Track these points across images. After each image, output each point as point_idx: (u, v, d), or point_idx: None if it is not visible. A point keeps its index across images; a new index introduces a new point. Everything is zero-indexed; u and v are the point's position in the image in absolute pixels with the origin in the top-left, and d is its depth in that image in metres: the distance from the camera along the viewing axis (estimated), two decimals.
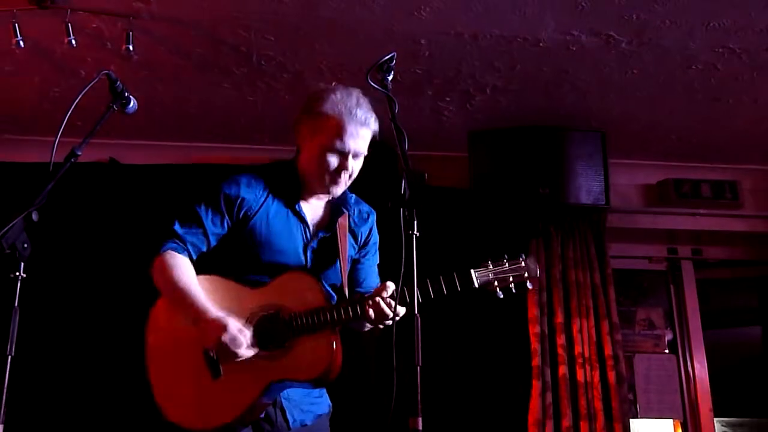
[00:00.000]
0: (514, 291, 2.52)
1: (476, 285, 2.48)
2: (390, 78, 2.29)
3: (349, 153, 2.50)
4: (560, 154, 4.98)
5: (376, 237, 2.83)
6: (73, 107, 2.45)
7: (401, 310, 2.38)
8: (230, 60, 4.26)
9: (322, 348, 2.41)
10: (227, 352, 2.35)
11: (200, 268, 2.56)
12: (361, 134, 2.51)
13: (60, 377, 4.49)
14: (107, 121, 2.58)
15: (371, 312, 2.42)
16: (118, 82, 2.62)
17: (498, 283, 2.50)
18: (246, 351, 2.36)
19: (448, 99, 4.68)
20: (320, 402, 2.67)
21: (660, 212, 5.50)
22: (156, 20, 3.87)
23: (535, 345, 4.85)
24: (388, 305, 2.40)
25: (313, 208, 2.68)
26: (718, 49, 4.12)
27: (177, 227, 2.53)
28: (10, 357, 2.18)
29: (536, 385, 4.76)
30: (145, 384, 4.35)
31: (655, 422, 5.38)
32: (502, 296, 2.51)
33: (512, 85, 4.56)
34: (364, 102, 2.53)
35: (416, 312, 1.84)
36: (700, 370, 5.47)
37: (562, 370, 4.81)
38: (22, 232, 2.21)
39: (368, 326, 2.61)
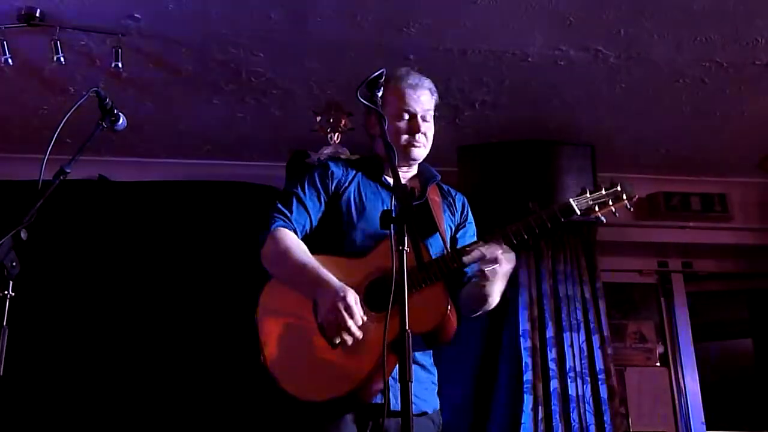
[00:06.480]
0: (616, 215, 2.54)
1: (578, 212, 2.47)
2: (380, 94, 2.30)
3: (416, 114, 2.63)
4: (549, 168, 4.96)
5: (472, 218, 2.84)
6: (62, 125, 2.44)
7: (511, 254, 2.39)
8: (219, 76, 4.27)
9: (436, 298, 2.36)
10: (339, 319, 2.27)
11: None
12: (419, 94, 2.65)
13: (49, 395, 4.44)
14: (96, 139, 2.57)
15: (477, 253, 2.37)
16: (107, 99, 2.61)
17: (599, 207, 2.51)
18: (356, 322, 2.28)
19: (437, 114, 4.66)
20: (429, 398, 2.54)
21: (650, 225, 5.49)
22: (145, 37, 3.87)
23: (526, 359, 4.85)
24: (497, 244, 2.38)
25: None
26: (706, 63, 4.16)
27: (280, 207, 2.57)
28: None
29: (528, 399, 4.75)
30: (143, 399, 4.42)
31: None
32: (605, 221, 2.56)
33: (501, 100, 4.57)
34: (413, 71, 2.70)
35: (407, 328, 1.82)
36: (692, 383, 5.46)
37: (554, 384, 4.80)
38: (10, 251, 2.19)
39: (479, 293, 2.51)
